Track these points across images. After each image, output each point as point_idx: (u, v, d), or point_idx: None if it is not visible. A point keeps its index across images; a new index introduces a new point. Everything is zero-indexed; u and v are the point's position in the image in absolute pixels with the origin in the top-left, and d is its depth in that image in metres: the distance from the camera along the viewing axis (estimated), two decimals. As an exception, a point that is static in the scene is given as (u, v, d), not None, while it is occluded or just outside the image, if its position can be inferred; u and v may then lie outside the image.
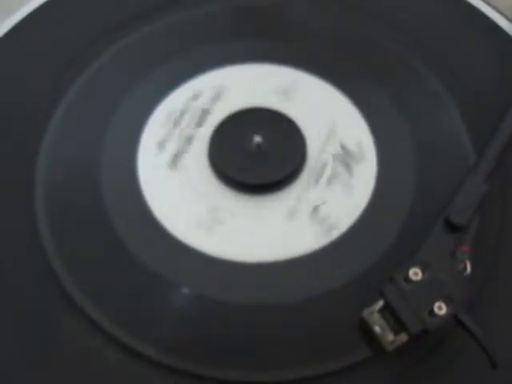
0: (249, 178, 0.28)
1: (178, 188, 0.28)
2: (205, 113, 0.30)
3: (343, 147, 0.29)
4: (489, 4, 0.34)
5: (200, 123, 0.30)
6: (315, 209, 0.27)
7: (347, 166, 0.29)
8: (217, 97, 0.31)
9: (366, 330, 0.24)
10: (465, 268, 0.25)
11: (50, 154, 0.29)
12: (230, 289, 0.26)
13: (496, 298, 0.26)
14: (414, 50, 0.32)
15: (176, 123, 0.30)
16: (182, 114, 0.30)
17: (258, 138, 0.28)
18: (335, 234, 0.27)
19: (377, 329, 0.24)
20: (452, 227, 0.25)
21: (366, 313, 0.24)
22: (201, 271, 0.26)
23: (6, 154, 0.29)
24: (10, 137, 0.30)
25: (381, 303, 0.24)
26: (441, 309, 0.23)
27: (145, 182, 0.28)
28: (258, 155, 0.28)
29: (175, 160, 0.29)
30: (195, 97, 0.31)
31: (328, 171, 0.28)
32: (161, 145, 0.29)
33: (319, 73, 0.31)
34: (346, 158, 0.29)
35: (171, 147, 0.29)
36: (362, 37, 0.33)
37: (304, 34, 0.33)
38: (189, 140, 0.29)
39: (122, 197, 0.28)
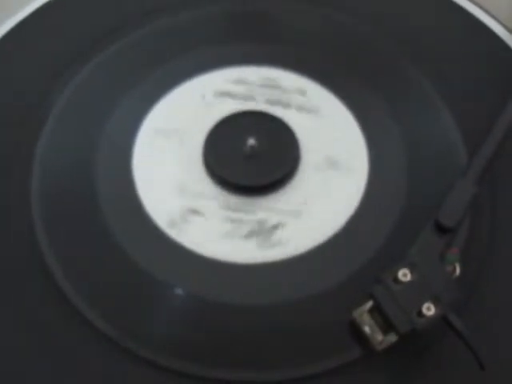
0: (242, 180, 0.28)
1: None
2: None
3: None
4: (484, 10, 0.34)
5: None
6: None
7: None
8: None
9: (356, 331, 0.24)
10: (454, 270, 0.25)
11: (47, 154, 0.29)
12: (222, 290, 0.26)
13: (485, 300, 0.26)
14: (408, 55, 0.32)
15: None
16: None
17: (251, 141, 0.29)
18: (326, 235, 0.27)
19: (366, 329, 0.24)
20: (441, 229, 0.25)
21: (356, 313, 0.24)
22: (194, 272, 0.26)
23: (2, 154, 0.30)
24: (7, 135, 0.30)
25: (370, 304, 0.24)
26: (429, 309, 0.23)
27: (140, 183, 0.28)
28: (251, 157, 0.29)
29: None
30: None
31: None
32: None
33: (314, 76, 0.31)
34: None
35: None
36: (357, 41, 0.33)
37: (301, 39, 0.33)
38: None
39: (119, 201, 0.28)
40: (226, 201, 0.28)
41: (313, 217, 0.28)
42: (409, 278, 0.24)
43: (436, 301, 0.23)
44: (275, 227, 0.27)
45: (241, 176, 0.28)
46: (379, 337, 0.24)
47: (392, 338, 0.24)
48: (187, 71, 0.32)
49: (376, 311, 0.24)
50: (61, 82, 0.31)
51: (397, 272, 0.24)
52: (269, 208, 0.28)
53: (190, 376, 0.24)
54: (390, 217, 0.27)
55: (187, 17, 0.34)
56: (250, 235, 0.27)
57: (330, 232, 0.27)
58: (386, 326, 0.24)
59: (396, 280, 0.24)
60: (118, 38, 0.33)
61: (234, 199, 0.28)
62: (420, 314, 0.23)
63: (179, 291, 0.26)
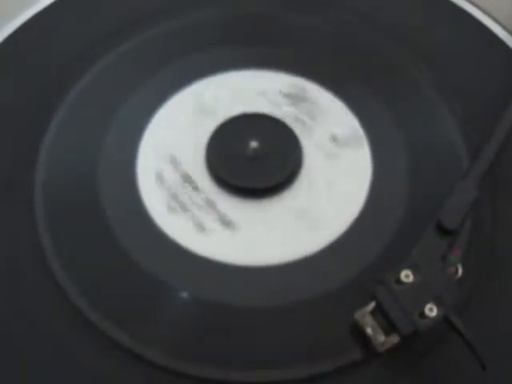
0: (245, 182, 0.28)
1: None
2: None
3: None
4: (484, 11, 0.35)
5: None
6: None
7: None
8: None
9: (358, 332, 0.25)
10: (456, 271, 0.25)
11: (50, 156, 0.29)
12: (224, 291, 0.26)
13: (487, 301, 0.26)
14: (409, 57, 0.32)
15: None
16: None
17: (254, 143, 0.29)
18: (329, 238, 0.27)
19: (368, 330, 0.24)
20: (443, 231, 0.25)
21: (358, 314, 0.24)
22: (196, 274, 0.26)
23: (5, 155, 0.30)
24: (10, 137, 0.30)
25: (373, 305, 0.24)
26: (431, 311, 0.24)
27: (143, 185, 0.29)
28: (254, 160, 0.29)
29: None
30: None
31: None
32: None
33: (317, 78, 0.32)
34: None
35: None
36: (358, 43, 0.33)
37: (301, 41, 0.33)
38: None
39: (121, 202, 0.28)
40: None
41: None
42: (411, 279, 0.24)
43: (438, 302, 0.24)
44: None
45: (243, 178, 0.28)
46: (381, 338, 0.24)
47: (394, 339, 0.24)
48: (188, 75, 0.32)
49: (378, 312, 0.24)
50: (63, 85, 0.31)
51: (399, 273, 0.24)
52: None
53: (190, 377, 0.24)
54: (394, 219, 0.28)
55: (187, 20, 0.34)
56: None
57: (334, 235, 0.27)
58: (389, 327, 0.24)
59: (398, 281, 0.24)
60: (120, 41, 0.33)
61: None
62: (422, 315, 0.23)
63: (181, 293, 0.26)
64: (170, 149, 0.30)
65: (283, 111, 0.31)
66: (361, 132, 0.30)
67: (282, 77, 0.32)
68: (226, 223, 0.28)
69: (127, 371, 0.24)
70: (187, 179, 0.29)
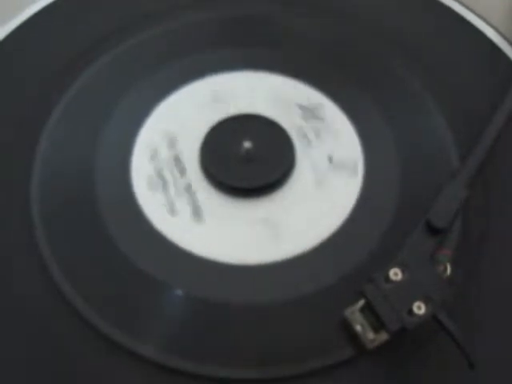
0: (237, 182, 0.28)
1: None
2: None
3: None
4: (477, 15, 0.35)
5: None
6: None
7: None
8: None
9: (348, 329, 0.25)
10: (445, 270, 0.25)
11: (46, 157, 0.30)
12: (218, 289, 0.26)
13: (476, 300, 0.26)
14: (402, 59, 0.33)
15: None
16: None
17: (247, 144, 0.29)
18: (320, 237, 0.27)
19: (358, 327, 0.24)
20: (432, 230, 0.26)
21: (347, 312, 0.25)
22: (190, 272, 0.27)
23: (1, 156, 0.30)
24: (7, 137, 0.30)
25: (362, 302, 0.24)
26: (420, 308, 0.24)
27: (137, 185, 0.29)
28: (247, 160, 0.29)
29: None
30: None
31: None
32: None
33: (308, 80, 0.32)
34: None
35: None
36: (352, 46, 0.33)
37: (295, 43, 0.34)
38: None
39: (117, 202, 0.29)
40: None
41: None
42: (400, 277, 0.24)
43: (426, 300, 0.24)
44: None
45: (235, 178, 0.28)
46: (370, 335, 0.24)
47: (383, 336, 0.24)
48: (182, 77, 0.32)
49: (367, 310, 0.24)
50: (61, 84, 0.32)
51: (388, 271, 0.24)
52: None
53: (189, 375, 0.24)
54: (385, 219, 0.28)
55: (182, 22, 0.34)
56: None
57: (325, 234, 0.27)
58: (378, 324, 0.24)
59: (387, 279, 0.24)
60: (119, 40, 0.33)
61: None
62: (410, 312, 0.24)
63: (179, 292, 0.26)
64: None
65: (291, 121, 0.31)
66: (354, 135, 0.30)
67: (301, 87, 0.32)
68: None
69: (125, 370, 0.25)
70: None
